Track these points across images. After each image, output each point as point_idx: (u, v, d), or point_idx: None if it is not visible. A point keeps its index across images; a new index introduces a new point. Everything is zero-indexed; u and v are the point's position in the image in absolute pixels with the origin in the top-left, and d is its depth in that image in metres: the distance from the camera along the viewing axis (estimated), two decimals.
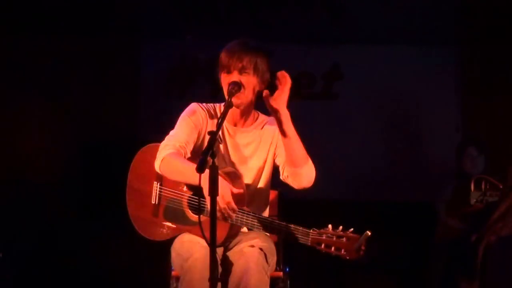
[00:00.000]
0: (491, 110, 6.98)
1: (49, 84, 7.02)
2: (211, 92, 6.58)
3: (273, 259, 3.92)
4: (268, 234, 3.98)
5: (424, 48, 7.32)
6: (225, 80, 3.89)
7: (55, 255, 6.71)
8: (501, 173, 5.11)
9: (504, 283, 4.62)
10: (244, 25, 7.05)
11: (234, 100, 3.83)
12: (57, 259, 6.69)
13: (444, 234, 6.38)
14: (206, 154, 3.31)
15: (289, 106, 7.10)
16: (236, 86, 3.82)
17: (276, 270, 4.03)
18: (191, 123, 3.99)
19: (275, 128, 4.00)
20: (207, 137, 3.92)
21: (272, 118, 4.08)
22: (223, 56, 3.89)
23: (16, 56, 6.96)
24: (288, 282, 4.12)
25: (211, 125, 4.02)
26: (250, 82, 3.90)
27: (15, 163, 6.82)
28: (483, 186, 5.64)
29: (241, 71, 3.87)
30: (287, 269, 4.15)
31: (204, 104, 4.10)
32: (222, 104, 4.09)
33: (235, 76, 3.85)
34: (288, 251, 4.23)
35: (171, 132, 4.00)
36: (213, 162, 3.31)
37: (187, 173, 3.74)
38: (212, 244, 3.27)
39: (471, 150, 6.48)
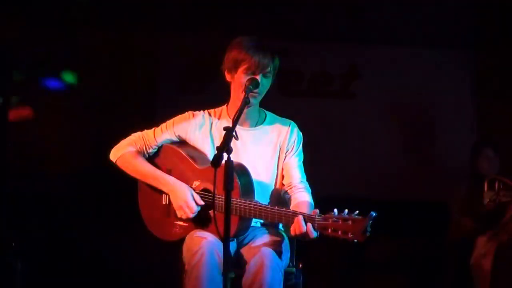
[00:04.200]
0: (506, 111, 6.96)
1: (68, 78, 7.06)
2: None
3: (286, 256, 3.93)
4: (282, 229, 4.03)
5: (441, 50, 7.32)
6: (246, 78, 3.89)
7: (70, 246, 6.75)
8: None
9: None
10: (263, 23, 7.06)
11: (251, 99, 3.88)
12: (72, 251, 6.73)
13: (457, 233, 6.38)
14: (221, 150, 3.35)
15: (307, 104, 7.18)
16: (256, 83, 3.84)
17: (289, 266, 4.03)
18: (171, 131, 4.08)
19: (284, 129, 4.08)
20: (205, 139, 4.03)
21: (280, 118, 4.14)
22: (248, 56, 3.87)
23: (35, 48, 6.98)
24: (301, 278, 4.11)
25: (205, 129, 4.06)
26: (269, 83, 3.96)
27: (33, 156, 6.84)
28: (496, 187, 5.63)
29: (266, 74, 3.91)
30: (300, 265, 4.14)
31: (199, 111, 4.12)
32: (224, 105, 4.14)
33: (258, 79, 3.87)
34: (302, 247, 4.21)
35: (149, 132, 4.10)
36: (229, 158, 3.34)
37: (144, 173, 4.04)
38: (226, 240, 3.30)
39: (488, 151, 6.47)
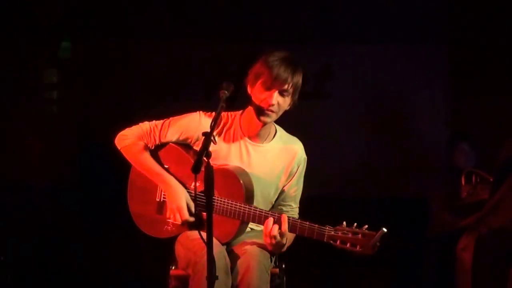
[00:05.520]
0: (479, 104, 7.03)
1: (46, 87, 7.05)
2: (205, 94, 6.63)
3: (272, 257, 3.96)
4: None
5: (414, 47, 7.34)
6: (261, 94, 3.85)
7: (55, 257, 6.73)
8: (490, 167, 5.17)
9: (495, 274, 4.68)
10: (235, 26, 7.07)
11: (264, 118, 3.89)
12: (57, 262, 6.72)
13: (437, 228, 6.43)
14: (201, 155, 3.35)
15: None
16: (230, 88, 3.77)
17: (272, 266, 4.04)
18: (179, 132, 4.04)
19: (293, 151, 4.08)
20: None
21: (290, 136, 4.15)
22: (267, 70, 3.82)
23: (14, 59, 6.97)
24: (285, 278, 4.14)
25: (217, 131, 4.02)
26: (286, 103, 3.92)
27: (13, 166, 6.83)
28: (473, 180, 5.69)
29: (282, 92, 3.86)
30: (283, 266, 4.16)
31: (211, 113, 4.02)
32: (240, 112, 4.09)
33: (273, 95, 3.84)
34: None
35: (158, 127, 4.08)
36: (208, 162, 3.35)
37: (147, 168, 4.02)
38: (209, 242, 3.32)
39: (464, 145, 6.53)
